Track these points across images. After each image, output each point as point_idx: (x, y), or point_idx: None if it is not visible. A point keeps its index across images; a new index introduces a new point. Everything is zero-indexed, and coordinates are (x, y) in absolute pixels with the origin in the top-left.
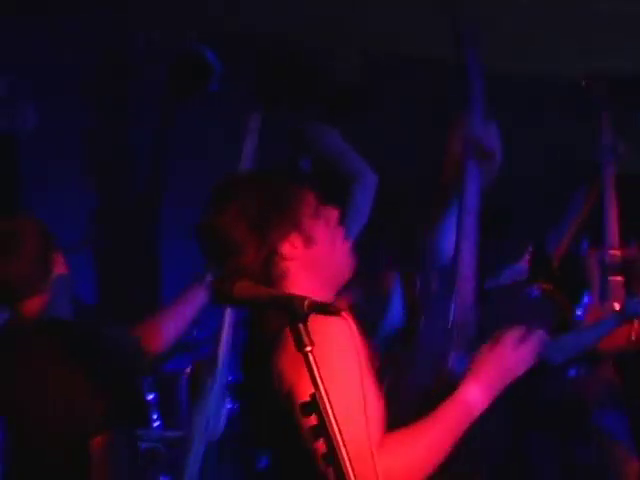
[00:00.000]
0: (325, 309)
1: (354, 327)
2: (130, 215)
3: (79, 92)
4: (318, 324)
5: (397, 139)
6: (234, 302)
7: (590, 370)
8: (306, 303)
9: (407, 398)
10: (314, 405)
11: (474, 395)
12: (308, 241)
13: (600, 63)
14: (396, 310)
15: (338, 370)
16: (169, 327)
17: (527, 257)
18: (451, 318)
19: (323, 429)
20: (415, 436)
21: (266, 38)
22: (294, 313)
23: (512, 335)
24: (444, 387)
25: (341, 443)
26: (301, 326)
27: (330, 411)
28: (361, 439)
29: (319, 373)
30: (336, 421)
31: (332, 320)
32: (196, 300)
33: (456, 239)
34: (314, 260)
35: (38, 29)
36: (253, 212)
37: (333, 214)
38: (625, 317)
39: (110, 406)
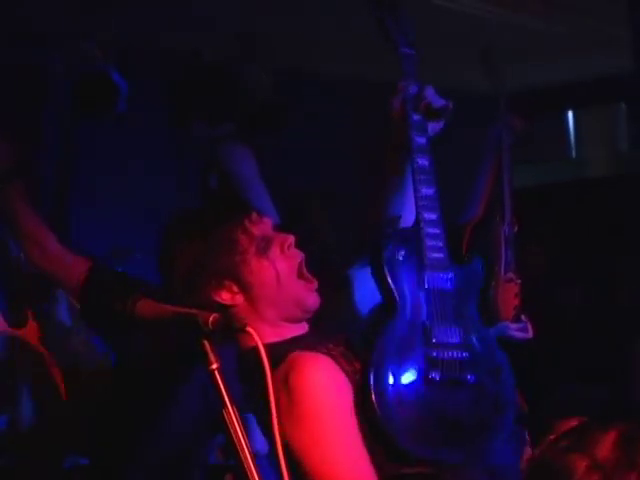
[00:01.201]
0: (231, 326)
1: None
2: None
3: None
4: (298, 380)
5: (302, 155)
6: (137, 322)
7: None
8: (211, 319)
9: None
10: (223, 423)
11: None
12: (246, 286)
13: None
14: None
15: (327, 432)
16: None
17: None
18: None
19: (232, 447)
20: None
21: (182, 54)
22: (199, 330)
23: None
24: None
25: (250, 460)
26: (206, 343)
27: (238, 428)
28: None
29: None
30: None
31: (311, 371)
32: None
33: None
34: (263, 300)
35: None
36: (182, 267)
37: (287, 240)
38: None
39: None
